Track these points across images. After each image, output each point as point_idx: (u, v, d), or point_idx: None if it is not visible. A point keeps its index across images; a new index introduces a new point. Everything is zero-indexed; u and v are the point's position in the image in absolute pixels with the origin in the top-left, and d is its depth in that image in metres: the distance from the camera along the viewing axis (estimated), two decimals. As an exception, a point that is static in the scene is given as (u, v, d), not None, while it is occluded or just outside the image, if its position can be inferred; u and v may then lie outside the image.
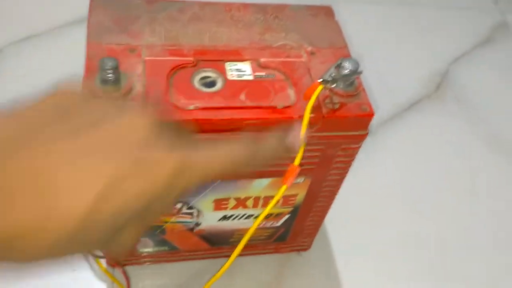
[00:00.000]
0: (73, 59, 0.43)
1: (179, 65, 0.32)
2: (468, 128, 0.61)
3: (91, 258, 0.42)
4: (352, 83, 0.32)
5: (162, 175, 0.22)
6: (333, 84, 0.31)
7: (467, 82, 0.66)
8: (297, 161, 0.31)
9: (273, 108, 0.31)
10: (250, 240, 0.44)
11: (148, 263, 0.44)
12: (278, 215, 0.40)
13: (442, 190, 0.54)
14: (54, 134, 0.21)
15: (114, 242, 0.23)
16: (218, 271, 0.33)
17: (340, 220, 0.49)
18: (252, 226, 0.31)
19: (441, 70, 0.67)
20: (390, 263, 0.48)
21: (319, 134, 0.32)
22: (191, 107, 0.30)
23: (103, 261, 0.42)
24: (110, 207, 0.21)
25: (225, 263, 0.32)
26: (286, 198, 0.38)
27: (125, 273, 0.42)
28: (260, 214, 0.31)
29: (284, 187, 0.31)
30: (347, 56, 0.35)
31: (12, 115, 0.21)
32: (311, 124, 0.31)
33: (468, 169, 0.57)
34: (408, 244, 0.49)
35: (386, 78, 0.64)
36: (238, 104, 0.31)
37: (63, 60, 0.52)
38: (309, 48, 0.35)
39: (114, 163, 0.21)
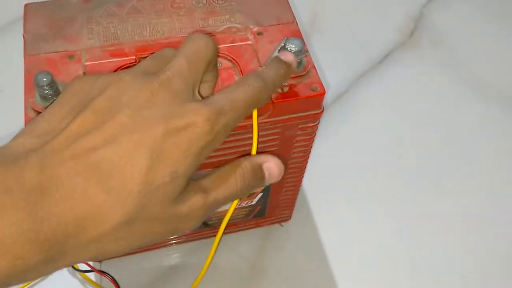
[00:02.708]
0: None
1: (121, 66, 0.31)
2: (448, 75, 0.59)
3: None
4: (300, 63, 0.31)
5: (200, 125, 0.22)
6: (278, 68, 0.30)
7: (443, 25, 0.64)
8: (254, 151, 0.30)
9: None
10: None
11: (130, 254, 0.45)
12: (251, 195, 0.41)
13: (424, 142, 0.54)
14: (82, 130, 0.22)
15: (178, 217, 0.23)
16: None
17: (320, 185, 0.50)
18: (224, 219, 0.31)
19: (415, 15, 0.65)
20: (373, 223, 0.48)
21: (272, 119, 0.32)
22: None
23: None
24: (159, 174, 0.21)
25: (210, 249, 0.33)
26: (254, 180, 0.38)
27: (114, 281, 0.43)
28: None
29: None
30: (296, 32, 0.34)
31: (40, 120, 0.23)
32: (260, 112, 0.30)
33: (451, 117, 0.56)
34: (390, 201, 0.50)
35: (355, 30, 0.62)
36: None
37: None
38: (256, 29, 0.34)
39: (148, 133, 0.22)
